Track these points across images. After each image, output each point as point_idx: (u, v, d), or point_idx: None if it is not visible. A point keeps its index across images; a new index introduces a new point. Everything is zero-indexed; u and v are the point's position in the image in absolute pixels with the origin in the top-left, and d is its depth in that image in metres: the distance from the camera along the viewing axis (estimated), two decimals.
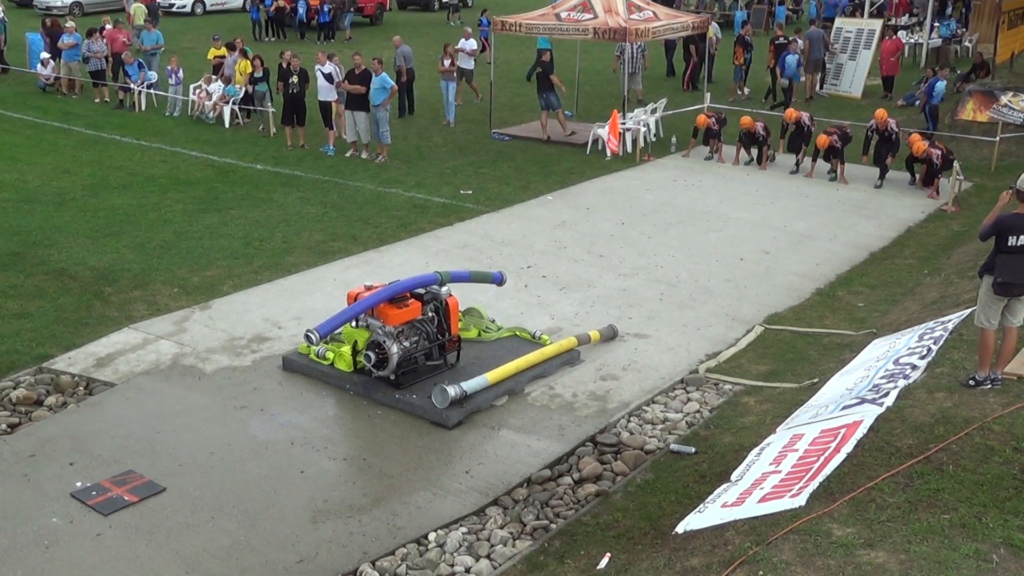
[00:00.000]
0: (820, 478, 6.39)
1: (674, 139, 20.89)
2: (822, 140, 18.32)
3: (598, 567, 7.33)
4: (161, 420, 9.56)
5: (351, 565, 7.57)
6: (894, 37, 26.54)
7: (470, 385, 9.73)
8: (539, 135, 21.57)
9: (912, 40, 30.38)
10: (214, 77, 23.19)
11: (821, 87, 26.31)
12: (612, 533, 7.83)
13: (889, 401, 7.09)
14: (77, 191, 17.05)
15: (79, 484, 8.43)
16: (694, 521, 6.90)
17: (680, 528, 6.86)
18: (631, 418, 9.80)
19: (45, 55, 25.41)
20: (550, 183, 18.09)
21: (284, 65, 20.38)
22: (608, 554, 7.45)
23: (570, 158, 19.98)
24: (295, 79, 19.97)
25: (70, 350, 10.94)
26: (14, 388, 10.08)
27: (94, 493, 8.29)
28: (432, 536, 7.97)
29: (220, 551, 7.67)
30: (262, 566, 7.52)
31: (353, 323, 10.26)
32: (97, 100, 24.55)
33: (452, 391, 9.54)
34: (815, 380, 9.81)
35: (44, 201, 16.42)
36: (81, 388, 10.21)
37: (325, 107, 20.20)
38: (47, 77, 25.41)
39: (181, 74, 23.55)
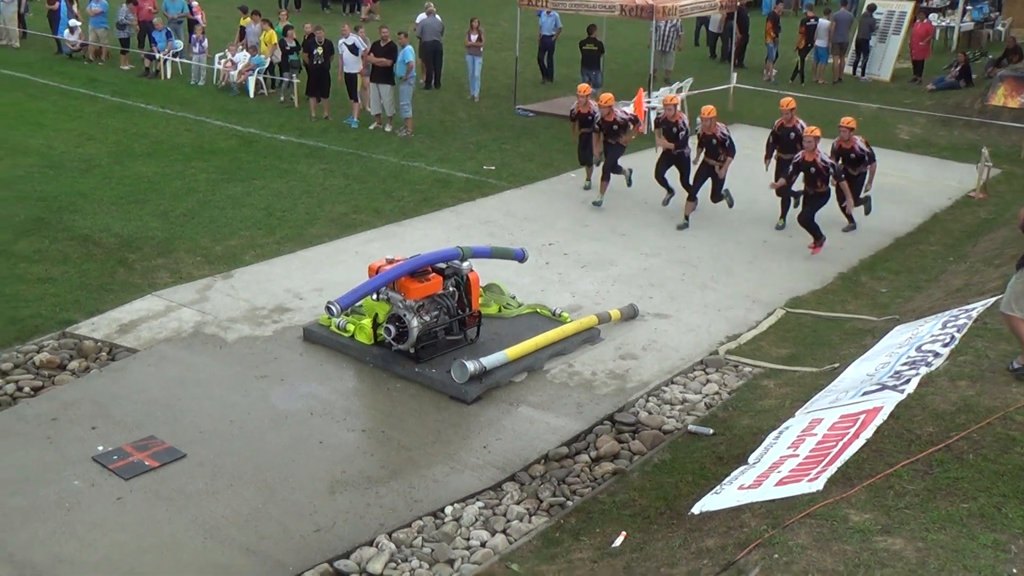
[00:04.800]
0: (838, 463, 6.37)
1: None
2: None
3: (613, 545, 7.35)
4: (182, 387, 9.63)
5: (368, 536, 7.63)
6: (925, 21, 26.24)
7: (489, 361, 9.75)
8: (563, 111, 21.46)
9: (943, 23, 30.04)
10: (238, 45, 23.17)
11: (863, 72, 26.02)
12: (628, 512, 7.84)
13: (910, 388, 7.04)
14: (102, 158, 17.12)
15: (101, 448, 8.52)
16: (710, 502, 6.90)
17: (696, 509, 6.86)
18: (650, 398, 9.80)
19: (74, 22, 25.45)
20: (573, 160, 17.93)
21: (308, 36, 20.36)
22: (624, 533, 7.47)
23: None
24: (319, 50, 19.93)
25: (93, 316, 11.02)
26: (38, 352, 10.17)
27: (115, 457, 8.37)
28: (448, 510, 8.02)
29: (238, 518, 7.74)
30: (279, 534, 7.58)
31: (374, 296, 10.28)
32: (127, 67, 24.59)
33: (471, 366, 9.56)
34: (836, 365, 9.77)
35: (69, 167, 16.50)
36: (104, 354, 10.29)
37: (350, 79, 20.17)
38: (73, 44, 25.46)
39: (205, 43, 23.54)
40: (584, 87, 16.23)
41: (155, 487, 8.05)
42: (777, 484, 6.58)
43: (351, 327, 10.48)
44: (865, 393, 7.44)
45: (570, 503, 8.16)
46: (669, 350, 10.77)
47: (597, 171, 15.88)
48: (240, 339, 10.66)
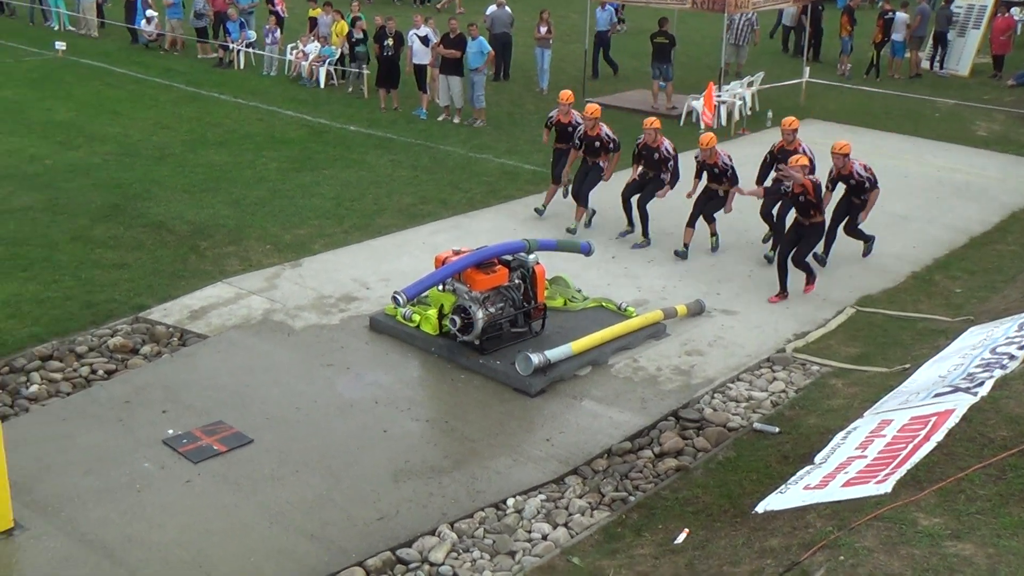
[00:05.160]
0: (908, 466, 6.25)
1: (770, 113, 20.49)
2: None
3: (675, 542, 7.31)
4: (250, 374, 9.78)
5: (430, 525, 7.67)
6: (1007, 15, 25.58)
7: (554, 354, 9.74)
8: (632, 105, 21.36)
9: None
10: (310, 36, 23.42)
11: (941, 67, 25.48)
12: (691, 509, 7.79)
13: (984, 391, 6.88)
14: (176, 146, 17.42)
15: (171, 431, 8.68)
16: (775, 502, 6.83)
17: (760, 508, 6.80)
18: (715, 394, 9.72)
19: (150, 12, 25.94)
20: None
21: (379, 27, 20.50)
22: (686, 529, 7.42)
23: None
24: (390, 42, 20.07)
25: (165, 301, 11.23)
26: (112, 336, 10.39)
27: (185, 441, 8.53)
28: (511, 502, 8.04)
29: (303, 504, 7.84)
30: (343, 521, 7.67)
31: (440, 287, 10.32)
32: (207, 56, 25.01)
33: (536, 359, 9.56)
34: (907, 366, 9.59)
35: (144, 155, 16.82)
36: (175, 339, 10.48)
37: (419, 70, 20.28)
38: (149, 34, 25.97)
39: (278, 34, 23.84)
40: (566, 93, 14.42)
41: (223, 471, 8.19)
42: (844, 485, 6.49)
43: (417, 317, 10.54)
44: (937, 395, 7.29)
45: (632, 498, 8.13)
46: (735, 347, 10.66)
47: (568, 196, 14.42)
48: (307, 327, 10.78)
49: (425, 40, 19.97)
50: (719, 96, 20.04)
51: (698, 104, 19.95)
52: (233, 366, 9.93)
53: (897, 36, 24.69)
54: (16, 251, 12.37)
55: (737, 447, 8.71)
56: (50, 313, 10.77)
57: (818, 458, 7.24)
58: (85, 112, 19.51)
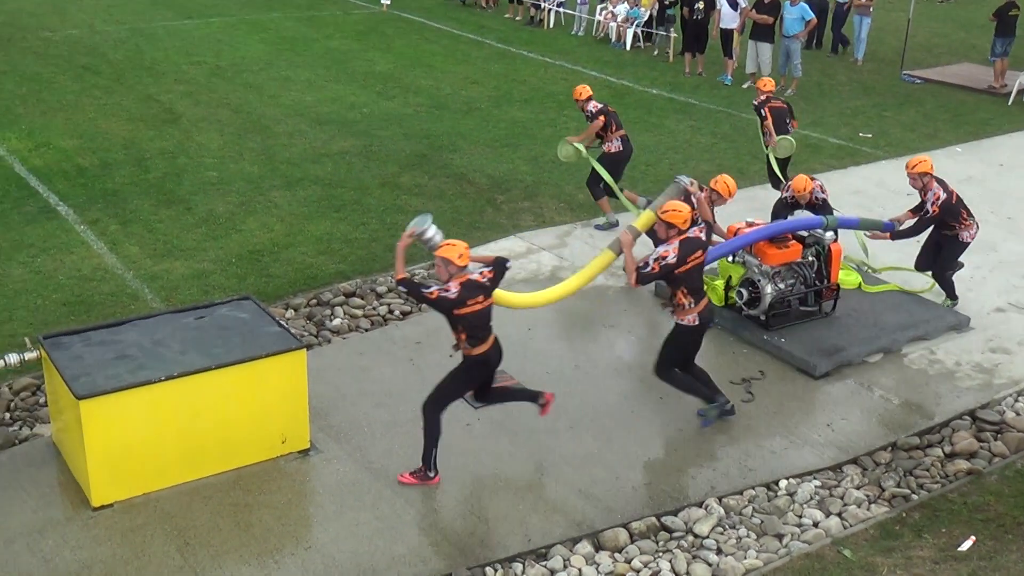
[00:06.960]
0: None
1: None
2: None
3: (959, 548, 6.86)
4: (534, 327, 10.01)
5: (697, 497, 7.61)
6: None
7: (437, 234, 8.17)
8: (960, 81, 19.96)
9: None
10: None
11: None
12: (980, 516, 7.28)
13: None
14: (483, 101, 18.02)
15: None
16: None
17: None
18: (1020, 398, 8.99)
19: None
20: (960, 133, 16.73)
21: None
22: (973, 537, 6.95)
23: (988, 108, 18.33)
24: (700, 5, 19.75)
25: None
26: None
27: None
28: (783, 484, 7.82)
29: (574, 460, 7.97)
30: (611, 481, 7.74)
31: (730, 258, 10.11)
32: (516, 17, 25.68)
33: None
34: None
35: (453, 108, 17.52)
36: None
37: (726, 35, 19.85)
38: None
39: None
40: (804, 182, 10.96)
41: (500, 419, 8.46)
42: None
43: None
44: None
45: (915, 497, 7.70)
46: None
47: None
48: (593, 287, 10.85)
49: (734, 4, 19.50)
50: None
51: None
52: (518, 318, 10.16)
53: None
54: (332, 192, 13.29)
55: None
56: (356, 253, 11.50)
57: None
58: (402, 64, 20.57)
